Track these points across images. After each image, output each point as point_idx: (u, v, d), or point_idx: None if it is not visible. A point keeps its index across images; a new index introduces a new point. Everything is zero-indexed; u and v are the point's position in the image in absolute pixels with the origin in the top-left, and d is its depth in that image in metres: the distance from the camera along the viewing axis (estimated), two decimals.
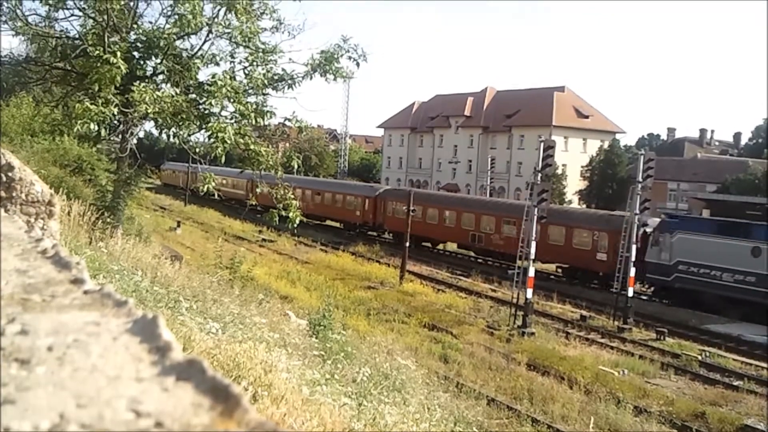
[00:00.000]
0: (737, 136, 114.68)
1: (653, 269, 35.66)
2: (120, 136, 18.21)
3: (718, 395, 21.62)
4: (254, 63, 17.33)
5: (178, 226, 50.26)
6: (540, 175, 29.50)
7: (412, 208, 40.49)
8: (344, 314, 25.06)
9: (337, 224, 59.81)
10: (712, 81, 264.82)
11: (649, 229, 36.67)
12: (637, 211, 31.26)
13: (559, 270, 41.99)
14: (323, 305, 17.95)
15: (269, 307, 16.10)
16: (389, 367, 12.06)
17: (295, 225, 17.79)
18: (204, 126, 16.27)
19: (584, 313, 31.50)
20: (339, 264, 41.61)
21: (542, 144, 29.65)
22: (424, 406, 10.00)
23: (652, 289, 37.41)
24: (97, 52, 15.16)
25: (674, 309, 34.35)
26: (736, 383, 22.70)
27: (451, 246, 51.01)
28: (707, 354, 25.86)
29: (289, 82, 17.33)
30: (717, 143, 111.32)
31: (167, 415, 0.76)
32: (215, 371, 0.88)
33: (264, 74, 17.26)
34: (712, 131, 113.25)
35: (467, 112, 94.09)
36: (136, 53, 16.93)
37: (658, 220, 38.23)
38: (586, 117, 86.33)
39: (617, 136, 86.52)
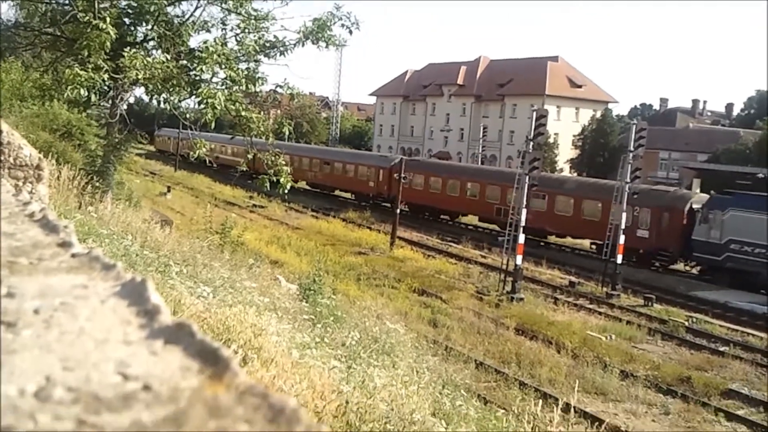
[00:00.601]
0: (729, 106, 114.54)
1: (701, 248, 34.04)
2: (110, 102, 18.06)
3: (704, 360, 21.91)
4: (246, 30, 17.14)
5: (168, 191, 50.10)
6: (532, 143, 29.50)
7: (403, 175, 40.48)
8: (334, 279, 25.15)
9: (348, 195, 58.14)
10: (705, 52, 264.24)
11: (696, 206, 35.23)
12: (628, 180, 31.35)
13: (593, 246, 39.63)
14: (313, 270, 17.99)
15: (259, 271, 16.14)
16: (378, 331, 12.14)
17: (286, 191, 17.75)
18: (194, 92, 16.14)
19: (573, 279, 31.72)
20: (329, 230, 41.65)
21: (535, 113, 29.61)
22: (413, 369, 10.09)
23: (699, 268, 35.53)
24: (87, 17, 14.96)
25: (661, 275, 34.61)
26: (721, 349, 23.00)
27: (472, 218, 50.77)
28: (694, 320, 26.14)
29: (281, 49, 17.17)
30: (709, 113, 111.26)
31: (155, 378, 0.76)
32: (204, 335, 0.87)
33: (256, 41, 17.09)
34: (705, 102, 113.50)
35: (460, 81, 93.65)
36: (126, 19, 16.72)
37: (706, 195, 36.46)
38: (579, 86, 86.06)
39: (610, 105, 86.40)
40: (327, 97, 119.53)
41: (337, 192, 59.46)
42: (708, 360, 21.94)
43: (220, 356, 0.80)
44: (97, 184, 15.79)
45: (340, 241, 38.51)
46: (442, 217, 49.29)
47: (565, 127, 79.84)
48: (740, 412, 18.04)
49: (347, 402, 5.80)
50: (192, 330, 0.88)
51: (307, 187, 61.40)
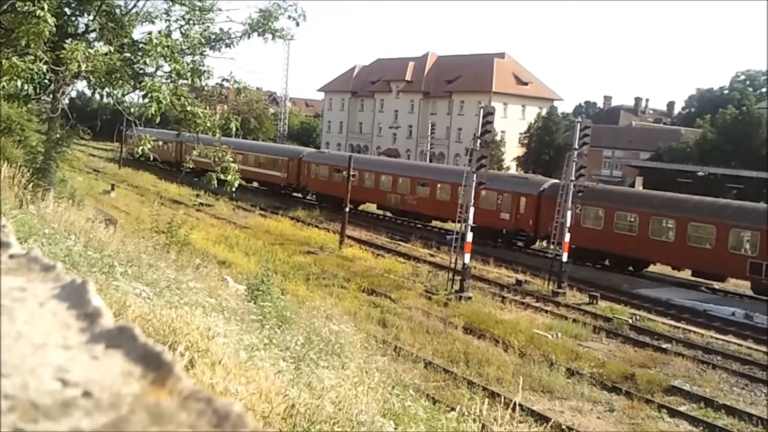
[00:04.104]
0: (671, 105, 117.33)
1: None
2: (51, 96, 17.63)
3: (648, 357, 22.37)
4: (191, 21, 16.91)
5: (112, 189, 49.25)
6: (479, 141, 29.76)
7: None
8: (283, 279, 25.01)
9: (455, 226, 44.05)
10: (647, 50, 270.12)
11: None
12: (573, 178, 31.81)
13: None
14: (262, 270, 17.86)
15: (206, 272, 15.95)
16: (328, 331, 12.11)
17: (234, 189, 17.56)
18: (138, 86, 15.86)
19: (520, 277, 32.09)
20: (278, 229, 41.41)
21: (482, 110, 29.90)
22: (363, 369, 10.08)
23: None
24: (26, 7, 14.58)
25: (607, 273, 35.22)
26: (664, 346, 23.52)
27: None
28: (638, 317, 26.67)
29: (227, 41, 16.98)
30: (651, 111, 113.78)
31: (95, 384, 0.74)
32: (147, 338, 0.85)
33: (201, 33, 16.87)
34: (647, 100, 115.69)
35: (408, 77, 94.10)
36: (67, 9, 16.33)
37: None
38: (525, 84, 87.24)
39: (555, 103, 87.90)
40: (275, 93, 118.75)
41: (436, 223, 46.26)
42: (651, 357, 22.41)
43: (162, 360, 0.78)
44: (39, 181, 15.42)
45: (288, 240, 38.31)
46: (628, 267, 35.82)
47: (512, 125, 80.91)
48: (682, 408, 18.48)
49: (293, 405, 5.76)
50: (134, 333, 0.85)
51: (379, 212, 51.01)
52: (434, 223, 46.54)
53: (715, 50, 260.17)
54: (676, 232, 32.35)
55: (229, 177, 16.99)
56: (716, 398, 19.07)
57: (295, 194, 56.71)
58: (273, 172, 57.79)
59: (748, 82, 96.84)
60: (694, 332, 25.20)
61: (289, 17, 17.02)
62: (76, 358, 0.80)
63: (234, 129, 17.63)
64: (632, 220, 34.33)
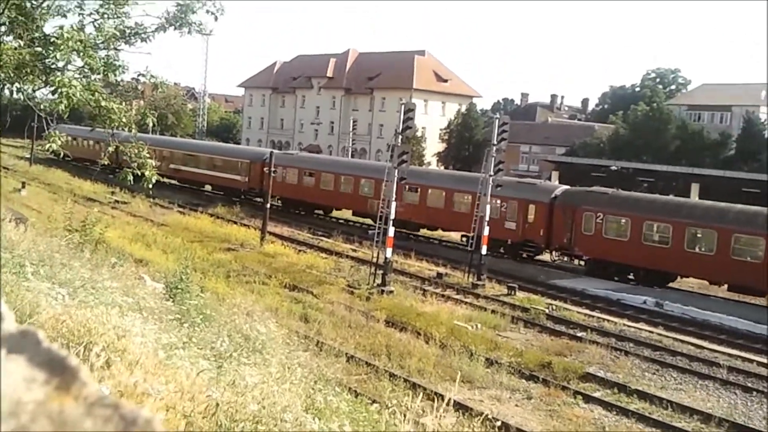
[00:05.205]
0: (585, 101, 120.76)
1: None
2: None
3: (564, 346, 22.94)
4: (105, 15, 16.40)
5: (23, 187, 47.44)
6: (400, 137, 29.95)
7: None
8: (202, 277, 24.59)
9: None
10: (562, 48, 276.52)
11: None
12: (492, 173, 32.33)
13: None
14: (180, 268, 17.52)
15: (123, 270, 15.55)
16: (249, 328, 11.98)
17: (151, 185, 17.14)
18: (49, 81, 15.31)
19: (441, 270, 32.44)
20: (197, 226, 40.71)
21: (403, 107, 30.10)
22: (285, 366, 10.02)
23: None
24: None
25: (523, 265, 35.94)
26: (579, 334, 24.16)
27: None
28: (554, 307, 27.33)
29: (142, 35, 16.54)
30: (566, 108, 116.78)
31: None
32: (54, 341, 0.83)
33: (115, 27, 16.38)
34: (562, 97, 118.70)
35: (329, 74, 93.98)
36: None
37: None
38: (445, 81, 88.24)
39: (474, 100, 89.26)
40: (193, 88, 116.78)
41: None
42: (567, 345, 22.98)
43: (67, 365, 0.76)
44: None
45: (208, 237, 37.70)
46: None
47: (432, 121, 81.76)
48: (597, 394, 19.01)
49: (217, 404, 5.69)
50: (38, 338, 0.83)
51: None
52: (356, 218, 46.37)
53: (627, 49, 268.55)
54: (717, 245, 29.86)
55: (146, 173, 16.56)
56: (629, 383, 19.70)
57: (257, 200, 50.63)
58: (231, 175, 53.09)
59: (658, 80, 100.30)
60: (608, 320, 26.00)
61: (207, 11, 16.70)
62: None
63: (151, 124, 17.18)
64: (665, 230, 31.62)
